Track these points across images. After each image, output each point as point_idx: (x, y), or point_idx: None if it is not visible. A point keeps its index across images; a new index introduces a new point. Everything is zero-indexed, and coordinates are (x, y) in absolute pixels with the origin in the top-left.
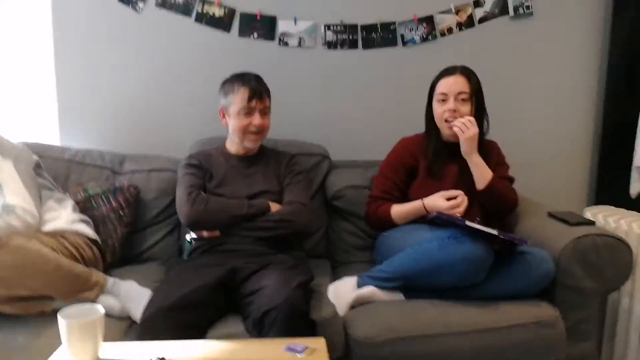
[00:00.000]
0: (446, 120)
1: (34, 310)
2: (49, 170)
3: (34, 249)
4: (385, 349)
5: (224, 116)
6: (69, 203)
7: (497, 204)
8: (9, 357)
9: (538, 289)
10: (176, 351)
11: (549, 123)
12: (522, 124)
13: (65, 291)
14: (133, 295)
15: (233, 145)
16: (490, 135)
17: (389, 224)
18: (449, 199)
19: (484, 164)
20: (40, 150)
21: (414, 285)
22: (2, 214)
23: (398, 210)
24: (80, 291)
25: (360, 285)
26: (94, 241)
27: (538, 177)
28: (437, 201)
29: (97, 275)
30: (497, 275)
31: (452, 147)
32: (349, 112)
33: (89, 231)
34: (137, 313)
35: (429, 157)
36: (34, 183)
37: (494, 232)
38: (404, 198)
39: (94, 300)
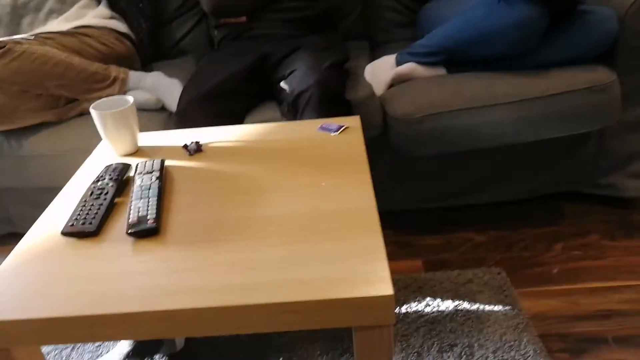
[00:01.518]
0: None
1: (71, 113)
2: None
3: (39, 52)
4: (425, 125)
5: None
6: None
7: None
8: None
9: (596, 53)
10: (211, 136)
11: None
12: None
13: (84, 89)
14: (163, 86)
15: None
16: None
17: None
18: None
19: None
20: None
21: (458, 59)
22: None
23: None
24: (100, 89)
25: (399, 62)
26: (126, 36)
27: None
28: None
29: (116, 70)
30: (551, 40)
31: None
32: None
33: (120, 25)
34: (173, 103)
35: None
36: None
37: None
38: None
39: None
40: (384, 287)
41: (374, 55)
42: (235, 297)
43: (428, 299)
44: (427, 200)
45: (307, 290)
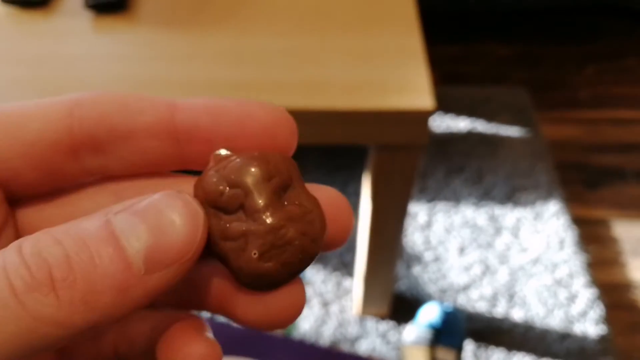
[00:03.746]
0: None
1: None
2: None
3: None
4: None
5: None
6: None
7: None
8: None
9: None
10: None
11: None
12: None
13: None
14: None
15: None
16: None
17: None
18: None
19: None
20: None
21: None
22: None
23: None
24: None
25: None
26: None
27: None
28: None
29: None
30: None
31: None
32: None
33: None
34: None
35: None
36: None
37: None
38: None
39: None
40: (423, 98)
41: None
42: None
43: (441, 116)
44: (445, 1)
45: (319, 95)
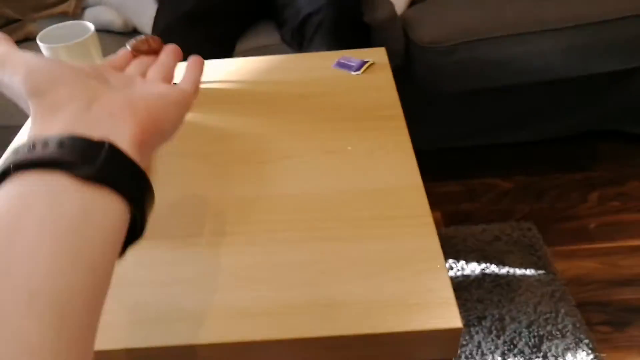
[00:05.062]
0: None
1: (14, 36)
2: None
3: None
4: (457, 55)
5: None
6: None
7: None
8: None
9: None
10: None
11: None
12: None
13: (31, 5)
14: (131, 3)
15: None
16: None
17: None
18: None
19: None
20: None
21: None
22: None
23: None
24: (50, 5)
25: None
26: None
27: None
28: None
29: None
30: None
31: None
32: None
33: None
34: (146, 25)
35: None
36: None
37: None
38: None
39: (74, 15)
40: (450, 316)
41: None
42: (240, 330)
43: (450, 260)
44: (444, 139)
45: (341, 321)
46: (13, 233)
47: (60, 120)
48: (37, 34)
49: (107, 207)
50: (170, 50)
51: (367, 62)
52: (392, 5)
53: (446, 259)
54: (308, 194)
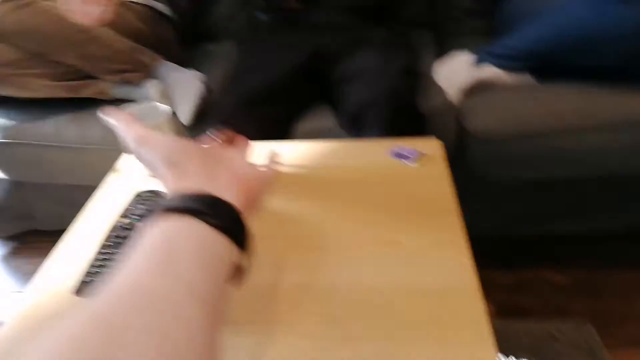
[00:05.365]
0: None
1: (86, 92)
2: None
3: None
4: (510, 146)
5: None
6: None
7: None
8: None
9: None
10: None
11: None
12: None
13: (105, 68)
14: (182, 82)
15: None
16: None
17: None
18: None
19: None
20: None
21: (550, 66)
22: None
23: None
24: (122, 71)
25: (477, 63)
26: (165, 17)
27: None
28: None
29: (147, 56)
30: None
31: None
32: None
33: (158, 5)
34: (183, 107)
35: None
36: None
37: None
38: None
39: (137, 84)
40: None
41: (440, 49)
42: None
43: (501, 355)
44: (496, 226)
45: None
46: (176, 252)
47: (191, 184)
48: (107, 92)
49: (230, 252)
50: (244, 140)
51: (422, 153)
52: (444, 94)
53: (497, 355)
54: (357, 287)
